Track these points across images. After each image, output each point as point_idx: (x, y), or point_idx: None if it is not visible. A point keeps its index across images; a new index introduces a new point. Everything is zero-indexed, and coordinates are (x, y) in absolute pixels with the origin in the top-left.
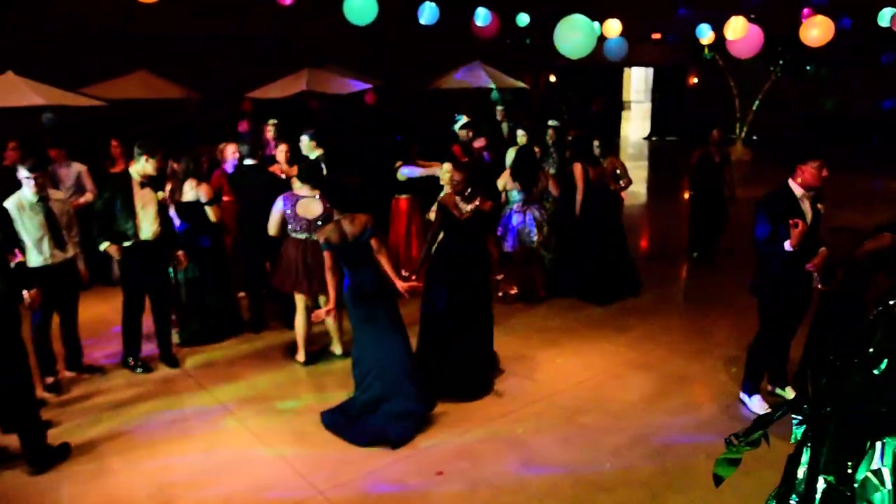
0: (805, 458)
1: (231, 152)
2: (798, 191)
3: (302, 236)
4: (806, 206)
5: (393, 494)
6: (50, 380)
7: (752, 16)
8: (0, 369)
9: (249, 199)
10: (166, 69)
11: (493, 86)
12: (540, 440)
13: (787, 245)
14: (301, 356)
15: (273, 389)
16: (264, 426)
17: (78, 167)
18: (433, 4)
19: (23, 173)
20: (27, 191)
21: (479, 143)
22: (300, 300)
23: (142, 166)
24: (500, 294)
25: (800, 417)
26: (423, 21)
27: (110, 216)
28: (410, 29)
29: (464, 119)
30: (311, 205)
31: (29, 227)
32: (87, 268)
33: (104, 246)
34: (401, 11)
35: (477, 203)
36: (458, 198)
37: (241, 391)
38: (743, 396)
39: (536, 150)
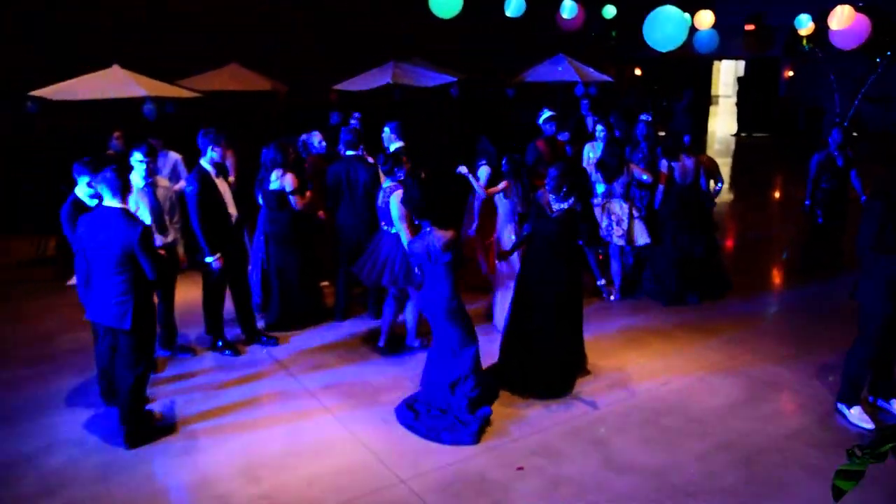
0: None
1: (317, 141)
2: None
3: (392, 230)
4: None
5: (474, 486)
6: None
7: (861, 3)
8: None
9: (350, 189)
10: (257, 62)
11: (577, 79)
12: (622, 441)
13: None
14: (384, 342)
15: (357, 377)
16: (347, 412)
17: (174, 156)
18: None
19: (136, 157)
20: (136, 175)
21: (562, 137)
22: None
23: (208, 156)
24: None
25: None
26: (509, 13)
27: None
28: (495, 22)
29: (547, 113)
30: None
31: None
32: (186, 252)
33: (210, 259)
34: (486, 4)
35: (569, 204)
36: (551, 196)
37: (326, 377)
38: (840, 407)
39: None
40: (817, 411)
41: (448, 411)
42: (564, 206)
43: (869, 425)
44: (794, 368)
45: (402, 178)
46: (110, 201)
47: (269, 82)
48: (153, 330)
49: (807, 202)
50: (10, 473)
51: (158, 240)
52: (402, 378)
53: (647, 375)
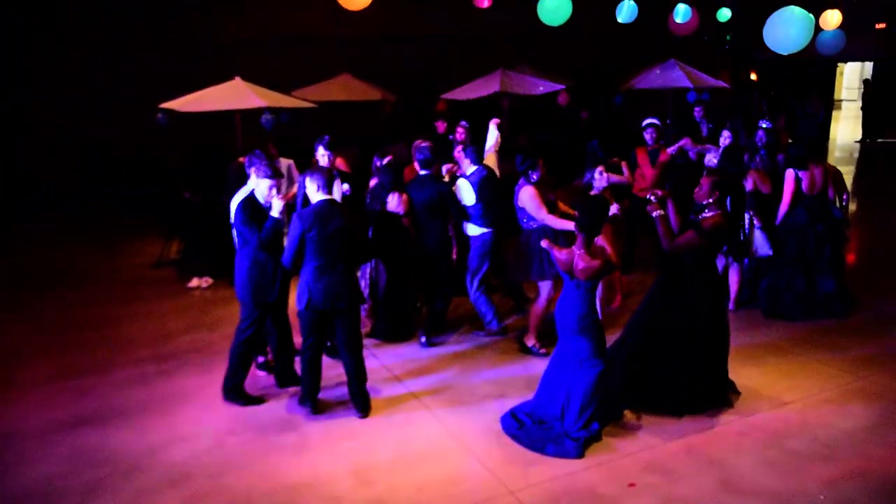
0: None
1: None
2: None
3: (534, 225)
4: None
5: (583, 500)
6: (261, 359)
7: None
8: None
9: (419, 211)
10: (368, 72)
11: (689, 85)
12: (740, 462)
13: None
14: (531, 341)
15: (465, 385)
16: (457, 421)
17: (286, 161)
18: (632, 2)
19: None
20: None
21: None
22: (544, 286)
23: (321, 162)
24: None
25: None
26: (621, 20)
27: None
28: (605, 27)
29: (648, 120)
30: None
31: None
32: None
33: None
34: (597, 10)
35: (704, 216)
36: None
37: (434, 385)
38: None
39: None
40: None
41: (557, 423)
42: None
43: None
44: None
45: (536, 180)
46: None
47: (379, 92)
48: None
49: None
50: (137, 465)
51: None
52: (507, 386)
53: (765, 393)
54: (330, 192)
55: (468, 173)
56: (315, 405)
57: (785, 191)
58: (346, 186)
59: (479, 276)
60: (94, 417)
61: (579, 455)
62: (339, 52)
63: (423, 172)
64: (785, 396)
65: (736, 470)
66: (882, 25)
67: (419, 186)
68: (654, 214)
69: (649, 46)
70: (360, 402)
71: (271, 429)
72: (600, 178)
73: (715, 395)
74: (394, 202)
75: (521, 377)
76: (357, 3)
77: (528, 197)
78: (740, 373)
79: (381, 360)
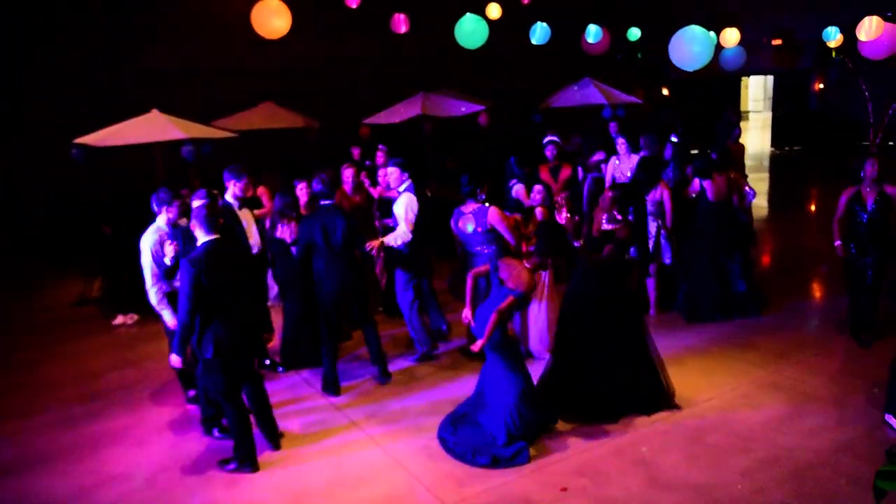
0: None
1: (350, 175)
2: None
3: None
4: None
5: None
6: (192, 393)
7: (889, 14)
8: None
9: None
10: (290, 100)
11: (604, 102)
12: (666, 459)
13: None
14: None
15: (396, 403)
16: (391, 439)
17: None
18: (545, 24)
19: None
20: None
21: (597, 156)
22: None
23: (231, 191)
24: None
25: None
26: (534, 41)
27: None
28: (521, 49)
29: (548, 138)
30: (467, 221)
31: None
32: None
33: None
34: (511, 32)
35: (612, 226)
36: (604, 216)
37: (366, 405)
38: (888, 418)
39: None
40: (864, 424)
41: (485, 431)
42: (608, 227)
43: None
44: (838, 381)
45: (483, 199)
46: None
47: (302, 119)
48: None
49: None
50: None
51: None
52: (443, 403)
53: (688, 393)
54: (214, 230)
55: (401, 189)
56: (253, 465)
57: (690, 194)
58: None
59: (410, 296)
60: (16, 465)
61: (493, 466)
62: (261, 80)
63: (323, 203)
64: (705, 394)
65: (662, 467)
66: (778, 42)
67: (319, 217)
68: (562, 217)
69: (565, 66)
70: (267, 431)
71: (204, 462)
72: (518, 190)
73: (643, 398)
74: (281, 229)
75: (456, 397)
76: (274, 32)
77: (497, 218)
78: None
79: (315, 386)
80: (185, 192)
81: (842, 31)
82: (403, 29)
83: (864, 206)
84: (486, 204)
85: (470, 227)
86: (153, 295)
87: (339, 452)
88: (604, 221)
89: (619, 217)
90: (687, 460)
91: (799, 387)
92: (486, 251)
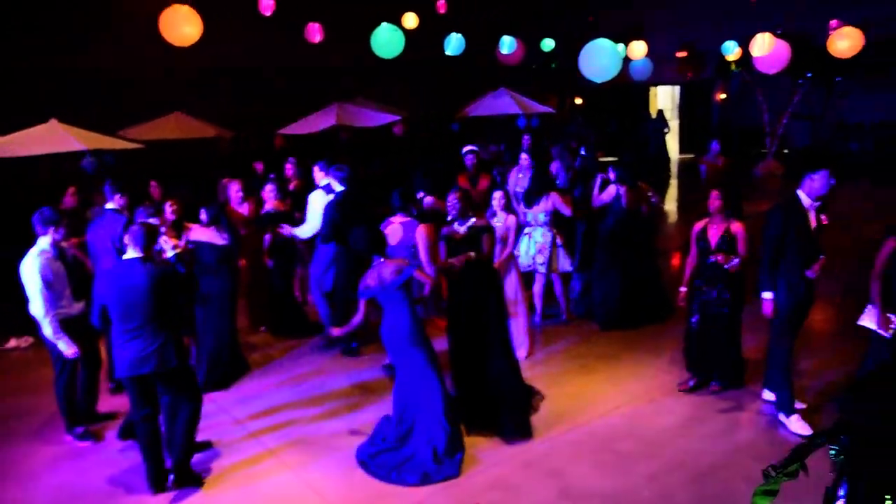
0: (843, 491)
1: (235, 189)
2: (806, 200)
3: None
4: (811, 215)
5: None
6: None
7: (779, 31)
8: None
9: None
10: (202, 110)
11: (519, 112)
12: (577, 469)
13: (810, 273)
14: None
15: (307, 422)
16: (300, 460)
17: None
18: (459, 35)
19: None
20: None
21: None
22: None
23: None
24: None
25: (837, 448)
26: (449, 52)
27: None
28: (436, 59)
29: (467, 147)
30: (395, 231)
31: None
32: None
33: None
34: (427, 43)
35: (471, 223)
36: (455, 223)
37: (276, 425)
38: (781, 417)
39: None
40: (761, 425)
41: (408, 445)
42: (467, 224)
43: (808, 432)
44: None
45: (416, 213)
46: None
47: (213, 129)
48: None
49: None
50: None
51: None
52: (356, 417)
53: (598, 401)
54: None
55: (322, 184)
56: (159, 485)
57: (601, 199)
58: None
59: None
60: None
61: (420, 482)
62: (171, 89)
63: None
64: (615, 401)
65: (573, 477)
66: (683, 54)
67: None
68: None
69: (481, 76)
70: (177, 476)
71: (103, 495)
72: (428, 201)
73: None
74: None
75: (370, 415)
76: (184, 39)
77: (422, 236)
78: (574, 382)
79: (219, 404)
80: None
81: (739, 45)
82: (318, 38)
83: (709, 244)
84: (417, 220)
85: (394, 240)
86: (47, 325)
87: (245, 474)
88: (457, 228)
89: (472, 214)
90: (597, 469)
91: (703, 391)
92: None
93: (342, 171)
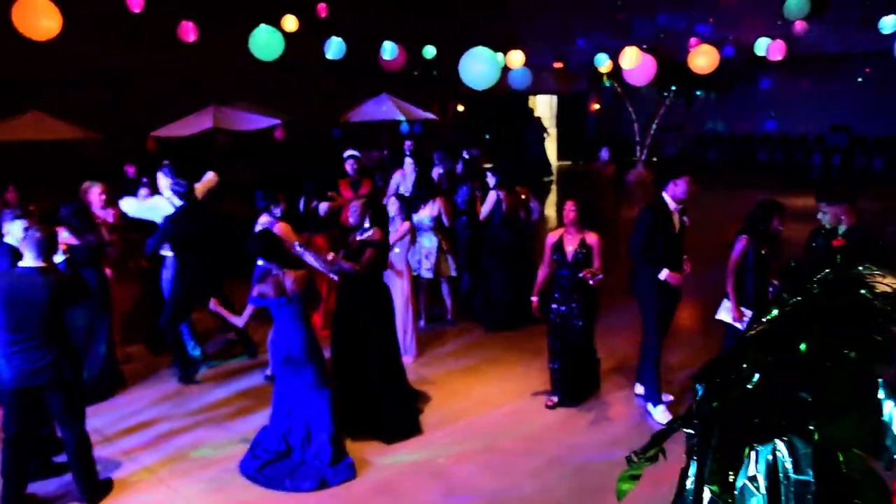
0: (692, 470)
1: (97, 193)
2: (671, 204)
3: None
4: (676, 218)
5: None
6: None
7: (645, 46)
8: None
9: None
10: (65, 110)
11: (401, 118)
12: (461, 469)
13: (663, 275)
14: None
15: (182, 437)
16: (177, 477)
17: None
18: (339, 39)
19: None
20: None
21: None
22: None
23: None
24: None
25: (691, 432)
26: (329, 56)
27: None
28: (317, 63)
29: (348, 152)
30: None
31: None
32: None
33: None
34: (307, 46)
35: (366, 235)
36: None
37: (149, 442)
38: (649, 407)
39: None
40: (634, 417)
41: (296, 453)
42: (363, 236)
43: (668, 398)
44: (614, 379)
45: (279, 215)
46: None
47: (78, 130)
48: None
49: None
50: None
51: None
52: (235, 427)
53: (481, 400)
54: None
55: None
56: None
57: (484, 208)
58: None
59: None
60: None
61: (316, 487)
62: (28, 87)
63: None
64: (500, 400)
65: (458, 477)
66: (559, 65)
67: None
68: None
69: (363, 81)
70: (81, 485)
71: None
72: (323, 207)
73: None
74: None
75: (247, 420)
76: (42, 33)
77: (281, 233)
78: (461, 383)
79: (89, 420)
80: None
81: (610, 59)
82: (192, 37)
83: (565, 256)
84: (278, 219)
85: None
86: None
87: (118, 494)
88: (357, 234)
89: (368, 225)
90: (481, 468)
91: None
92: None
93: (181, 186)
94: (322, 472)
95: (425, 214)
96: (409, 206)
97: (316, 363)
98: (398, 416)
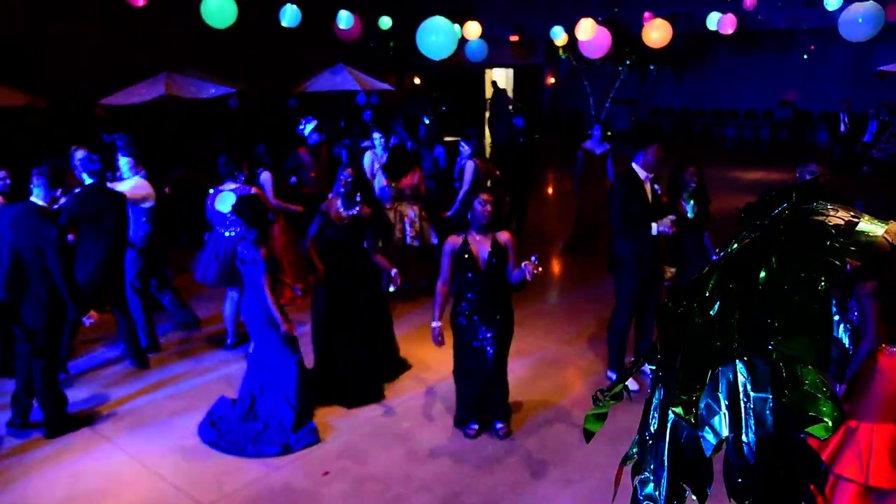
0: (657, 396)
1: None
2: (642, 173)
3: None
4: (648, 187)
5: (280, 498)
6: None
7: (600, 18)
8: None
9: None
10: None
11: (358, 88)
12: (424, 432)
13: (656, 229)
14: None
15: (142, 403)
16: (138, 444)
17: None
18: (294, 7)
19: None
20: None
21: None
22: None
23: None
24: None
25: (654, 367)
26: (284, 23)
27: None
28: (272, 32)
29: (312, 123)
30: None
31: None
32: None
33: None
34: (262, 14)
35: (357, 210)
36: (339, 202)
37: (110, 410)
38: (610, 374)
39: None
40: (593, 381)
41: (264, 419)
42: (354, 212)
43: (634, 387)
44: (575, 346)
45: (243, 180)
46: None
47: (23, 96)
48: None
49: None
50: None
51: None
52: (194, 398)
53: (445, 365)
54: None
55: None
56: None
57: (465, 178)
58: None
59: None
60: None
61: (280, 453)
62: None
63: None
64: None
65: (420, 440)
66: (515, 38)
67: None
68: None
69: (319, 51)
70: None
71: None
72: (265, 178)
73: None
74: None
75: (206, 386)
76: None
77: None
78: (426, 349)
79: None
80: None
81: (566, 31)
82: (141, 2)
83: (476, 261)
84: (249, 185)
85: (227, 208)
86: None
87: (77, 463)
88: (341, 209)
89: (358, 199)
90: (444, 431)
91: (541, 352)
92: (235, 234)
93: (94, 163)
94: (285, 437)
95: (406, 184)
96: (392, 174)
97: (279, 329)
98: (360, 381)
